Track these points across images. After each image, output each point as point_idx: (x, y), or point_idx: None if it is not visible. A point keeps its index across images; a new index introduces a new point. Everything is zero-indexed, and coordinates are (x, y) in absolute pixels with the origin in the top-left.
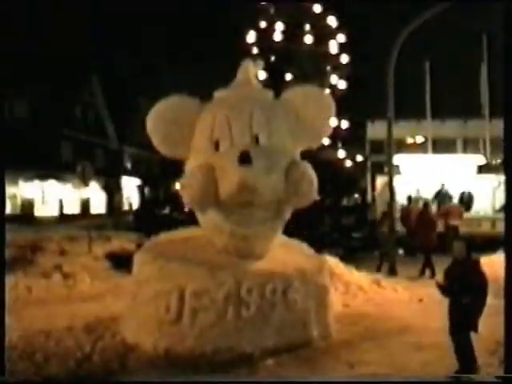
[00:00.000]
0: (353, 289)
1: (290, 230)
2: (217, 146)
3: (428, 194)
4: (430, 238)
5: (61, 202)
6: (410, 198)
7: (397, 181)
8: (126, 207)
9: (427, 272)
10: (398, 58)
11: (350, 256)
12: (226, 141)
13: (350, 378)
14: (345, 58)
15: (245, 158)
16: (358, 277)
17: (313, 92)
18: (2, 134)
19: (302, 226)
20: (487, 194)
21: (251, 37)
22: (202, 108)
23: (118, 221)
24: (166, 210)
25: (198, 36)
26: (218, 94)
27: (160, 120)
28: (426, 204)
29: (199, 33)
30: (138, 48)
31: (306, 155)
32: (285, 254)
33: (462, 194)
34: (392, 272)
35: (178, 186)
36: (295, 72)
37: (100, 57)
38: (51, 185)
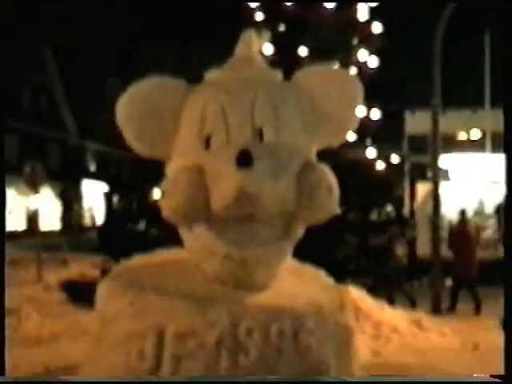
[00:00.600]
0: (385, 331)
1: (303, 253)
2: (208, 142)
3: (485, 206)
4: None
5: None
6: (463, 212)
7: (444, 189)
8: (87, 221)
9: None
10: (446, 29)
11: (381, 287)
12: (219, 136)
13: (349, 379)
14: (377, 28)
15: (244, 159)
16: (392, 315)
17: (334, 72)
18: (2, 134)
19: (319, 248)
20: None
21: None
22: (189, 93)
23: (78, 239)
24: (141, 226)
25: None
26: (210, 76)
27: (135, 108)
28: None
29: None
30: (106, 12)
31: (325, 155)
32: (295, 284)
33: None
34: (437, 309)
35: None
36: (311, 45)
37: (54, 22)
38: None
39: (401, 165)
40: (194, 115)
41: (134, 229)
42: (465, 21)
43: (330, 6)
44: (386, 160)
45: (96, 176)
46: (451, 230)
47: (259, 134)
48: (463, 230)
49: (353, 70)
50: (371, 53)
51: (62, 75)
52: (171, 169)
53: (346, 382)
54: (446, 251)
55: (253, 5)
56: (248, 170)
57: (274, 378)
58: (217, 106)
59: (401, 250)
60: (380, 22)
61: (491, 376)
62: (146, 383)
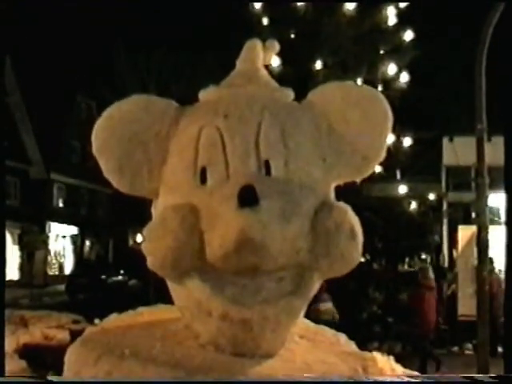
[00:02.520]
0: None
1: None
2: (203, 176)
3: None
4: None
5: None
6: (491, 261)
7: (492, 233)
8: (54, 271)
9: None
10: (491, 43)
11: (413, 354)
12: (217, 169)
13: (349, 379)
14: (409, 35)
15: (248, 197)
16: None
17: (357, 90)
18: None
19: (338, 306)
20: None
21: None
22: (180, 116)
23: (41, 293)
24: (119, 277)
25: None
26: (206, 94)
27: (114, 133)
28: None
29: None
30: (79, 15)
31: (345, 192)
32: (309, 350)
33: None
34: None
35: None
36: (328, 58)
37: (14, 28)
38: None
39: (438, 204)
40: (185, 143)
41: (111, 281)
42: None
43: (350, 7)
44: (420, 198)
45: (64, 216)
46: (494, 283)
47: (265, 167)
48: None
49: (379, 89)
50: (401, 67)
51: (23, 91)
52: (158, 208)
53: (346, 382)
54: (496, 310)
55: (257, 7)
56: (252, 211)
57: (274, 379)
58: (214, 132)
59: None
60: (412, 28)
61: (491, 376)
62: (147, 383)
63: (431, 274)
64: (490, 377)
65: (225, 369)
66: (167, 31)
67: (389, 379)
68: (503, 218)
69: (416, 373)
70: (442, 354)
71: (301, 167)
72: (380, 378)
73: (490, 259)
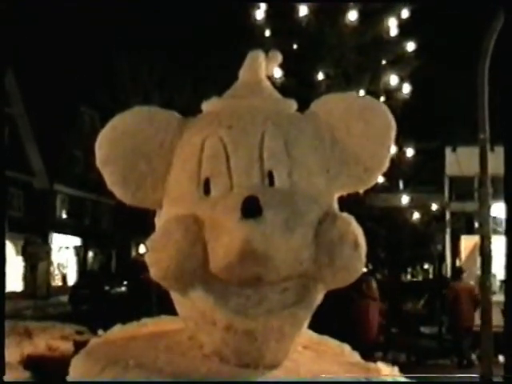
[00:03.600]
0: None
1: (323, 323)
2: (207, 187)
3: None
4: None
5: None
6: None
7: (495, 244)
8: (57, 282)
9: None
10: (495, 47)
11: (418, 364)
12: (220, 180)
13: (349, 379)
14: (411, 46)
15: (251, 208)
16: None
17: (360, 101)
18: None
19: (341, 316)
20: None
21: (261, 12)
22: (183, 127)
23: (44, 304)
24: (122, 288)
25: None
26: (209, 106)
27: (118, 145)
28: None
29: (180, 8)
30: (82, 27)
31: (349, 203)
32: (312, 360)
33: None
34: None
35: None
36: (331, 69)
37: (17, 38)
38: None
39: (441, 214)
40: (189, 154)
41: (114, 292)
42: None
43: (352, 18)
44: (423, 208)
45: (67, 227)
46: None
47: (269, 178)
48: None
49: (381, 100)
50: (403, 77)
51: (26, 102)
52: (161, 219)
53: (345, 382)
54: (498, 320)
55: (259, 18)
56: (256, 222)
57: (275, 379)
58: (217, 143)
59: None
60: (414, 39)
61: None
62: (150, 383)
63: (375, 285)
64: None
65: (229, 380)
66: (170, 42)
67: (389, 379)
68: (504, 227)
69: None
70: (446, 364)
71: (304, 178)
72: (381, 379)
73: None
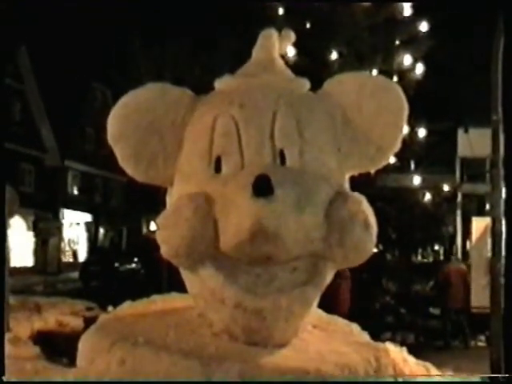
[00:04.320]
0: None
1: (332, 302)
2: (218, 165)
3: None
4: None
5: None
6: None
7: (506, 225)
8: (67, 258)
9: None
10: (507, 29)
11: (426, 345)
12: (232, 158)
13: (348, 379)
14: (424, 26)
15: (263, 186)
16: (440, 379)
17: (372, 81)
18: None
19: (351, 296)
20: None
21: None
22: (195, 105)
23: (55, 280)
24: (133, 265)
25: None
26: (222, 84)
27: (130, 122)
28: None
29: None
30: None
31: (360, 183)
32: (322, 340)
33: None
34: (496, 372)
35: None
36: (344, 48)
37: (30, 17)
38: None
39: (452, 195)
40: (201, 132)
41: (125, 268)
42: None
43: None
44: (434, 189)
45: (78, 203)
46: None
47: (280, 157)
48: None
49: (394, 79)
50: (416, 58)
51: (38, 79)
52: (172, 196)
53: (345, 382)
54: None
55: None
56: (267, 201)
57: (275, 379)
58: (229, 122)
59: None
60: (427, 19)
61: (491, 376)
62: (151, 383)
63: None
64: (492, 376)
65: (238, 357)
66: (182, 19)
67: (390, 380)
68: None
69: (429, 364)
70: (455, 345)
71: (316, 157)
72: (380, 379)
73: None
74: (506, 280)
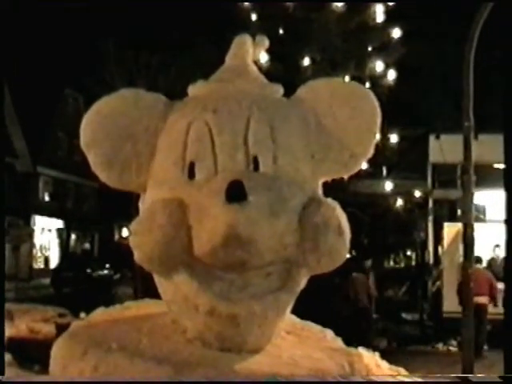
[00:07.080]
0: None
1: (305, 308)
2: (191, 171)
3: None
4: None
5: None
6: (478, 260)
7: (478, 231)
8: (39, 264)
9: None
10: (481, 34)
11: (399, 350)
12: (205, 164)
13: (348, 379)
14: (396, 33)
15: (236, 192)
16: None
17: (345, 87)
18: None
19: (324, 302)
20: None
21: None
22: (169, 110)
23: (26, 286)
24: (105, 271)
25: None
26: (195, 89)
27: (103, 128)
28: None
29: None
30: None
31: (333, 188)
32: (295, 346)
33: None
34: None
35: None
36: (317, 54)
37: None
38: None
39: (424, 201)
40: (174, 138)
41: (97, 274)
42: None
43: (338, 4)
44: (406, 195)
45: (50, 209)
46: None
47: (254, 163)
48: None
49: (367, 86)
50: (388, 64)
51: (9, 84)
52: (146, 202)
53: (345, 382)
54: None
55: (246, 4)
56: (240, 207)
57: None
58: (202, 127)
59: None
60: (399, 26)
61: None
62: (151, 383)
63: None
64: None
65: (211, 364)
66: (155, 26)
67: (389, 380)
68: (491, 215)
69: (402, 369)
70: (427, 351)
71: (289, 163)
72: (375, 378)
73: (478, 258)
74: (506, 280)
